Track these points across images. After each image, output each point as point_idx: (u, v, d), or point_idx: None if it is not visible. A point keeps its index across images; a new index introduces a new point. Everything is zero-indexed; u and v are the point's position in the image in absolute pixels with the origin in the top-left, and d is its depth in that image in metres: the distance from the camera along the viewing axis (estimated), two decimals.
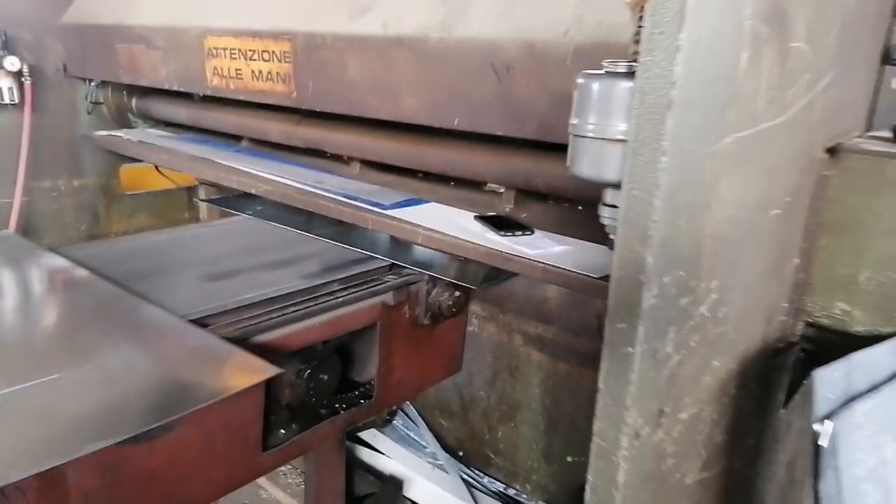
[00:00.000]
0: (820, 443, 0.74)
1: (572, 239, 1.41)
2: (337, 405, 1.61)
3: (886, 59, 1.28)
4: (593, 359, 1.66)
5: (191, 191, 2.73)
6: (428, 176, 1.79)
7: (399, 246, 1.74)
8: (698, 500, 0.84)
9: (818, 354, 0.98)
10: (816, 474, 0.76)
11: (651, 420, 0.64)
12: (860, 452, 0.79)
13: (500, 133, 1.31)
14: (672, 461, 0.72)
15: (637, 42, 0.63)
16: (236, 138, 2.24)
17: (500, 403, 1.97)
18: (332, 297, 1.55)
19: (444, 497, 1.96)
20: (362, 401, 1.65)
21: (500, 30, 1.28)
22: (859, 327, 0.96)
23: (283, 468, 2.13)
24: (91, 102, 2.35)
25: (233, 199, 2.15)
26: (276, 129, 1.97)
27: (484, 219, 1.47)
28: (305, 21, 1.58)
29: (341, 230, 1.85)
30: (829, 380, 0.77)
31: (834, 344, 0.99)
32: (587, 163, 0.67)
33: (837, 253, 0.96)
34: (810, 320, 1.01)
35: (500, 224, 1.44)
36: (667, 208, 0.57)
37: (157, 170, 2.56)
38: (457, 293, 1.71)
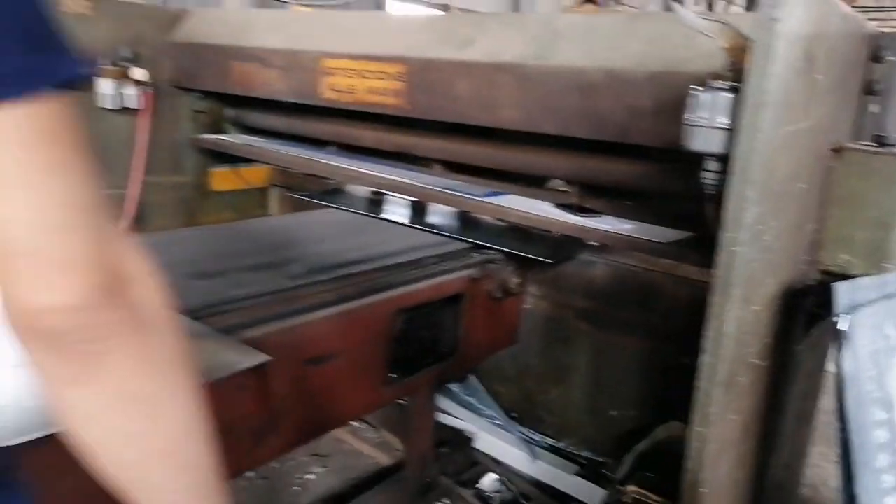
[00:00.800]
0: (841, 328, 1.14)
1: (632, 221, 1.82)
2: (431, 359, 1.98)
3: (867, 90, 1.75)
4: (633, 328, 2.06)
5: (263, 191, 3.11)
6: (498, 175, 2.20)
7: (479, 230, 2.13)
8: (753, 380, 1.23)
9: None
10: (840, 353, 1.16)
11: (740, 300, 1.04)
12: (864, 340, 1.19)
13: (584, 137, 1.71)
14: (747, 336, 1.11)
15: (731, 71, 1.05)
16: (321, 143, 2.63)
17: (551, 369, 2.35)
18: (431, 268, 1.94)
19: (507, 448, 2.32)
20: (448, 358, 2.02)
21: (585, 60, 1.69)
22: (857, 271, 1.37)
23: (360, 425, 2.48)
24: (193, 111, 2.73)
25: (320, 195, 2.53)
26: (369, 135, 2.36)
27: (562, 206, 1.88)
28: (417, 51, 1.98)
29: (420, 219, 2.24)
30: (845, 290, 1.17)
31: None
32: (699, 141, 1.08)
33: (841, 219, 1.38)
34: (822, 268, 1.42)
35: (576, 210, 1.85)
36: (760, 166, 0.98)
37: (237, 172, 2.94)
38: (521, 273, 2.10)
